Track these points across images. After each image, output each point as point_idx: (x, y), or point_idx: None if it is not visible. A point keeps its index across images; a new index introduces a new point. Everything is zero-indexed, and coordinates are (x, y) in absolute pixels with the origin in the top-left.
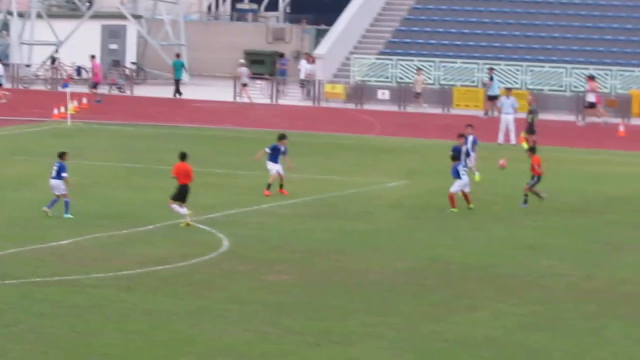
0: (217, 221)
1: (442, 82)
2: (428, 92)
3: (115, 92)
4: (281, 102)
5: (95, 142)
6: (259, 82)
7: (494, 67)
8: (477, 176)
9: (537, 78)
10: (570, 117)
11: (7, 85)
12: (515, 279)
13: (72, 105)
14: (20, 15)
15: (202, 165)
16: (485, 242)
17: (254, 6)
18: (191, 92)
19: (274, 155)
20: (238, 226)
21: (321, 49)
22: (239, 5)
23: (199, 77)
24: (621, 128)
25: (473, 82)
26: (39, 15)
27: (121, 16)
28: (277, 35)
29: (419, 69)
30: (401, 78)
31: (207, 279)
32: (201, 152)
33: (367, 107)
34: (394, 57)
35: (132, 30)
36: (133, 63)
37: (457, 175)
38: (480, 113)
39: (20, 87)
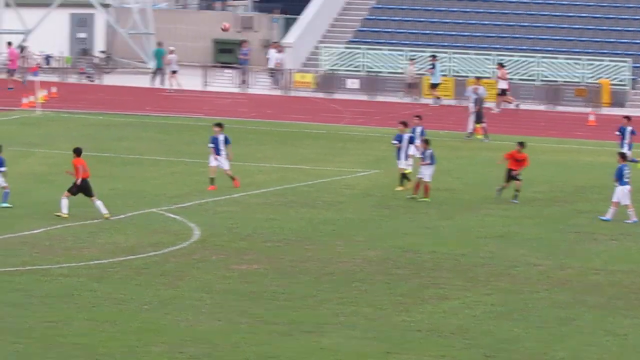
0: (188, 210)
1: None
2: (397, 81)
3: (84, 81)
4: (250, 91)
5: (64, 131)
6: (227, 70)
7: (435, 54)
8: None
9: (506, 67)
10: (540, 107)
11: None
12: (486, 268)
13: (41, 94)
14: None
15: (172, 154)
16: (456, 231)
17: None
18: (159, 80)
19: (216, 147)
20: (209, 215)
21: (290, 38)
22: None
23: (167, 65)
24: (591, 117)
25: (442, 71)
26: (7, 4)
27: (89, 5)
28: (246, 24)
29: (412, 59)
30: (370, 67)
31: (178, 268)
32: (170, 141)
33: (337, 96)
34: (363, 46)
35: (101, 19)
36: (102, 52)
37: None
38: (453, 102)
39: None
